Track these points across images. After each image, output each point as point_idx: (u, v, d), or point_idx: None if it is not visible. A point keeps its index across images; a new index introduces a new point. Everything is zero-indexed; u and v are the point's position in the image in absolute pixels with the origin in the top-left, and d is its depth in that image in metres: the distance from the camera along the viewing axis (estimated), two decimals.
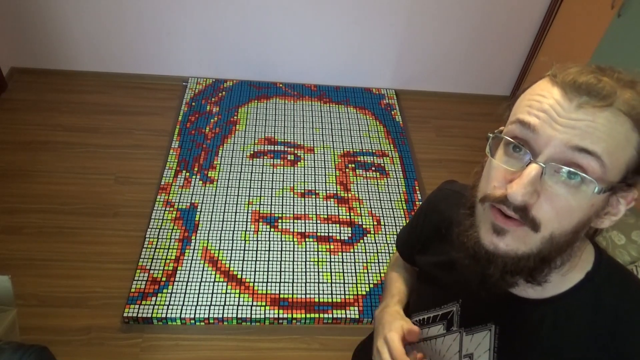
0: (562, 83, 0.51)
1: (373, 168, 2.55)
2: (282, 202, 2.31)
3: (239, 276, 1.99)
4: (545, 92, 0.52)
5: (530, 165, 0.50)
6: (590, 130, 0.49)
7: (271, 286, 1.97)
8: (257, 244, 2.12)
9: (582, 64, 0.54)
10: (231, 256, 2.06)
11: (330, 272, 2.05)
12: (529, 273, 0.55)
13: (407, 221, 0.91)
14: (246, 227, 2.18)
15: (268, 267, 2.03)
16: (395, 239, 1.34)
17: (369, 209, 2.32)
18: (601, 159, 0.49)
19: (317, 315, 1.89)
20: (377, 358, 0.72)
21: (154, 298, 1.87)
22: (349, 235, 2.20)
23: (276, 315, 1.88)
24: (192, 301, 1.88)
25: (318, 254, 2.11)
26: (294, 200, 2.33)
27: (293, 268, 2.05)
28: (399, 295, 0.86)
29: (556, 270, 0.57)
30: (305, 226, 2.22)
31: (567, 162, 0.50)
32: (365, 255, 2.13)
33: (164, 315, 1.82)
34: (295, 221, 2.23)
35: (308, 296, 1.95)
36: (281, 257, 2.08)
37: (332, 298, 1.96)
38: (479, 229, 0.56)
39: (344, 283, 2.01)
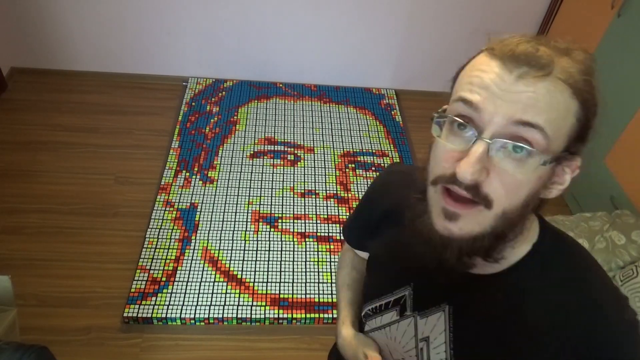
0: (500, 55, 0.51)
1: (373, 168, 2.55)
2: (282, 202, 2.31)
3: (239, 276, 1.99)
4: (484, 67, 0.52)
5: (476, 142, 0.50)
6: (531, 102, 0.49)
7: (271, 286, 1.97)
8: (257, 244, 2.12)
9: (516, 34, 0.53)
10: (231, 256, 2.06)
11: (330, 272, 2.05)
12: (485, 252, 0.56)
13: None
14: (246, 227, 2.18)
15: (268, 267, 2.03)
16: None
17: None
18: (544, 130, 0.49)
19: (317, 315, 1.89)
20: None
21: (154, 298, 1.87)
22: None
23: (276, 315, 1.88)
24: (192, 301, 1.88)
25: (318, 254, 2.11)
26: (294, 200, 2.33)
27: (293, 268, 2.05)
28: (347, 310, 0.87)
29: (510, 245, 0.58)
30: (305, 226, 2.22)
31: (512, 137, 0.50)
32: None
33: (164, 315, 1.82)
34: (295, 221, 2.23)
35: (308, 296, 1.95)
36: (281, 257, 2.08)
37: (332, 298, 1.96)
38: (431, 214, 0.56)
39: None
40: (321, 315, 1.90)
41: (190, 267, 2.00)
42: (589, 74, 0.51)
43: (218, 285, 1.94)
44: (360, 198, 0.85)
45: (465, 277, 0.62)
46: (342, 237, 2.17)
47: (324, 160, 2.56)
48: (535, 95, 0.49)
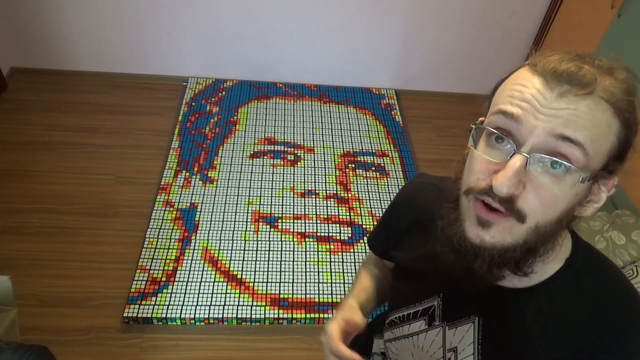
0: (542, 72, 0.50)
1: (373, 168, 2.55)
2: (282, 202, 2.31)
3: (239, 276, 1.99)
4: (526, 82, 0.51)
5: (514, 156, 0.50)
6: (573, 118, 0.48)
7: (271, 286, 1.97)
8: (257, 244, 2.12)
9: (560, 51, 0.53)
10: (231, 256, 2.06)
11: (330, 272, 2.05)
12: (516, 264, 0.55)
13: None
14: (246, 227, 2.18)
15: (268, 267, 2.03)
16: None
17: (369, 209, 2.32)
18: (584, 147, 0.49)
19: (317, 315, 1.89)
20: (323, 346, 0.73)
21: (154, 298, 1.87)
22: (349, 235, 2.20)
23: (276, 315, 1.88)
24: (192, 301, 1.88)
25: (318, 254, 2.11)
26: (294, 200, 2.33)
27: (293, 268, 2.05)
28: (357, 290, 0.85)
29: (540, 259, 0.57)
30: (305, 226, 2.22)
31: (551, 152, 0.49)
32: (365, 255, 2.13)
33: (164, 315, 1.82)
34: (295, 221, 2.23)
35: (308, 296, 1.95)
36: (281, 257, 2.08)
37: (332, 298, 1.96)
38: (464, 222, 0.56)
39: (343, 283, 2.01)
40: (321, 316, 1.90)
41: (190, 267, 2.00)
42: (630, 93, 0.51)
43: (218, 285, 1.94)
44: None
45: (496, 289, 0.62)
46: (342, 237, 2.18)
47: (324, 160, 2.56)
48: (577, 112, 0.48)
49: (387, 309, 0.82)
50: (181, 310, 1.85)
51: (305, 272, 2.04)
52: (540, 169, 0.50)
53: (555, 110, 0.49)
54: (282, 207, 2.29)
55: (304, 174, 2.47)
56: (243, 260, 2.05)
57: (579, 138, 0.48)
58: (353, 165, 2.55)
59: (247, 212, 2.24)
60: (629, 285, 0.62)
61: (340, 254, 2.12)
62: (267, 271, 2.02)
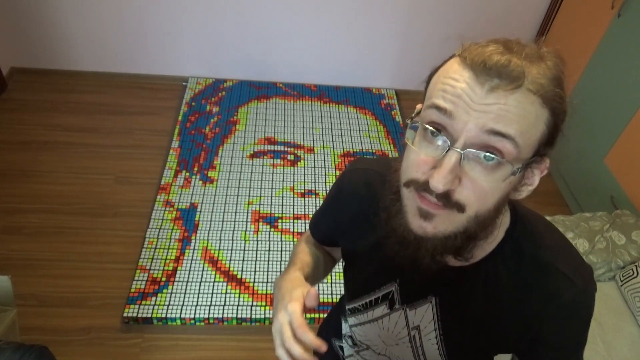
0: (472, 65, 0.51)
1: None
2: (282, 202, 2.31)
3: (239, 276, 1.99)
4: (457, 75, 0.52)
5: (449, 152, 0.52)
6: (502, 113, 0.50)
7: (271, 286, 1.97)
8: (257, 244, 2.12)
9: (490, 39, 0.54)
10: (231, 256, 2.06)
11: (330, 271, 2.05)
12: (456, 251, 0.59)
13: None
14: (246, 227, 2.18)
15: (268, 267, 2.03)
16: None
17: None
18: (515, 140, 0.50)
19: (316, 315, 1.89)
20: (277, 329, 0.67)
21: (153, 298, 1.87)
22: None
23: None
24: (192, 301, 1.88)
25: None
26: (294, 200, 2.33)
27: None
28: (300, 264, 0.83)
29: (480, 244, 0.61)
30: (305, 226, 2.22)
31: (483, 146, 0.51)
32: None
33: (164, 315, 1.82)
34: (295, 221, 2.23)
35: None
36: (281, 257, 2.08)
37: (332, 298, 1.96)
38: (406, 214, 0.58)
39: (343, 283, 2.01)
40: (321, 316, 1.90)
41: (190, 267, 2.00)
42: (559, 82, 0.53)
43: (218, 285, 1.94)
44: (329, 191, 0.84)
45: (446, 269, 0.66)
46: None
47: (324, 160, 2.56)
48: (506, 107, 0.50)
49: (346, 297, 0.85)
50: (181, 310, 1.85)
51: None
52: (474, 163, 0.52)
53: (486, 105, 0.50)
54: (282, 207, 2.29)
55: (304, 174, 2.47)
56: (243, 260, 2.05)
57: (509, 132, 0.50)
58: None
59: (247, 212, 2.24)
60: (562, 241, 0.68)
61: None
62: (267, 271, 2.02)
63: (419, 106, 0.58)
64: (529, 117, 0.51)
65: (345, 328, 0.92)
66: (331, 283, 2.01)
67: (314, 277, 0.85)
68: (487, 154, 0.51)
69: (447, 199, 0.53)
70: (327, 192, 0.87)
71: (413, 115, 0.58)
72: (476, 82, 0.51)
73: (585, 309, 0.66)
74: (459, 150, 0.51)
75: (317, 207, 2.29)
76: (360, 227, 0.76)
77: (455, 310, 0.70)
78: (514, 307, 0.66)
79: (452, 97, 0.52)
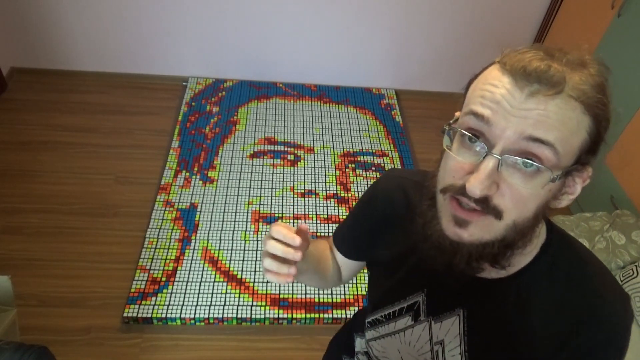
0: (512, 71, 0.51)
1: (373, 168, 2.55)
2: (282, 202, 2.31)
3: (239, 276, 1.99)
4: (496, 81, 0.52)
5: (486, 158, 0.51)
6: (542, 119, 0.49)
7: (271, 286, 1.97)
8: (257, 244, 2.12)
9: (530, 47, 0.54)
10: (231, 256, 2.06)
11: None
12: (493, 258, 0.57)
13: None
14: (246, 227, 2.18)
15: None
16: None
17: None
18: (554, 147, 0.49)
19: (317, 315, 1.89)
20: (264, 251, 0.67)
21: (153, 298, 1.87)
22: None
23: (276, 315, 1.88)
24: (192, 301, 1.88)
25: None
26: (294, 200, 2.33)
27: None
28: (315, 244, 0.81)
29: (518, 252, 0.59)
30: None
31: (522, 152, 0.50)
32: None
33: (163, 315, 1.82)
34: (295, 221, 2.23)
35: (308, 296, 1.95)
36: None
37: (332, 298, 1.96)
38: (441, 220, 0.57)
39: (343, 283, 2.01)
40: (321, 316, 1.90)
41: (190, 267, 2.00)
42: (602, 88, 0.51)
43: (218, 285, 1.94)
44: (359, 200, 0.82)
45: (477, 281, 0.63)
46: None
47: (324, 160, 2.56)
48: (546, 113, 0.49)
49: (369, 309, 0.82)
50: (181, 310, 1.85)
51: None
52: (512, 170, 0.51)
53: (525, 111, 0.49)
54: (282, 207, 2.29)
55: (304, 174, 2.47)
56: (243, 260, 2.05)
57: (549, 138, 0.49)
58: (353, 165, 2.55)
59: (247, 212, 2.24)
60: (599, 264, 0.65)
61: None
62: None
63: (457, 113, 0.58)
64: (570, 124, 0.50)
65: (359, 345, 0.90)
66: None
67: (317, 264, 0.81)
68: (526, 160, 0.50)
69: (485, 204, 0.52)
70: (353, 206, 0.84)
71: (451, 122, 0.57)
72: (515, 87, 0.50)
73: (622, 338, 0.61)
74: (496, 155, 0.50)
75: (317, 207, 2.30)
76: (392, 232, 0.75)
77: (484, 326, 0.66)
78: (546, 326, 0.62)
79: (490, 103, 0.51)
